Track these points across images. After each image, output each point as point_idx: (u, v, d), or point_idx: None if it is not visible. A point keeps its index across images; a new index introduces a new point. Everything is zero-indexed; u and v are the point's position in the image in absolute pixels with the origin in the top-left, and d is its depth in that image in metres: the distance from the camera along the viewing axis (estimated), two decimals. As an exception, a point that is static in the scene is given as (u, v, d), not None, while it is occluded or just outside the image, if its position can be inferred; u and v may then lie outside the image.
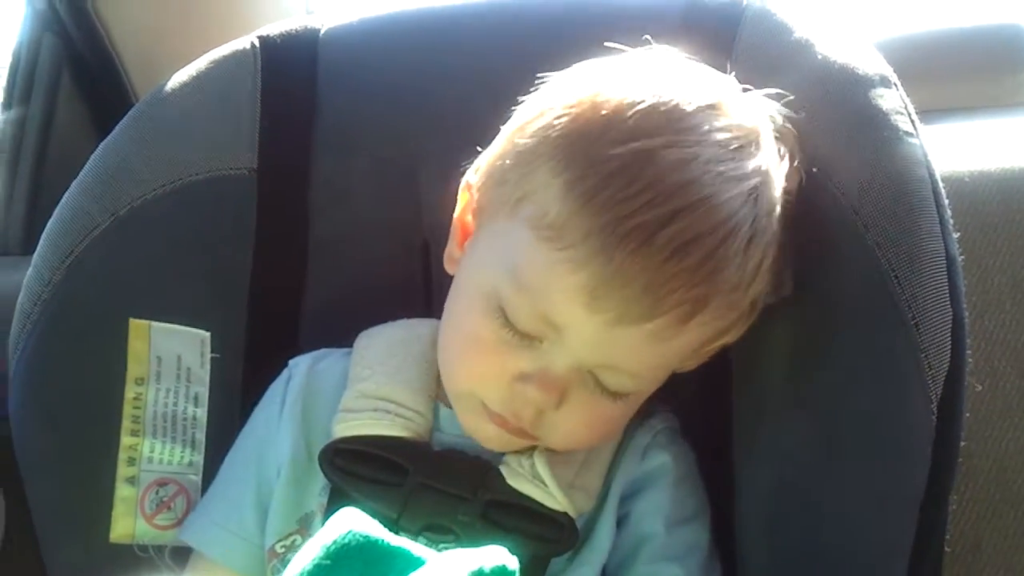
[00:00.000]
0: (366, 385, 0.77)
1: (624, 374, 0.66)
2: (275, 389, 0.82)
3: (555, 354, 0.65)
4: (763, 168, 0.65)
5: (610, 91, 0.64)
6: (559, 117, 0.65)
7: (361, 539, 0.52)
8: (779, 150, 0.68)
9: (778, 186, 0.67)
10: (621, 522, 0.73)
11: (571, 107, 0.65)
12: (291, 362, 0.84)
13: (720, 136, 0.64)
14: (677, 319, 0.62)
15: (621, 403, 0.68)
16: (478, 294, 0.68)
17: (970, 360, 0.64)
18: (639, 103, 0.63)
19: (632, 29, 0.88)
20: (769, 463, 0.73)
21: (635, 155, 0.61)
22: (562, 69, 0.70)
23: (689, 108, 0.64)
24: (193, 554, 0.80)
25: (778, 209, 0.66)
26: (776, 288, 0.68)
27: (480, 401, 0.70)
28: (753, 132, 0.67)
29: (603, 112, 0.63)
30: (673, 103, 0.64)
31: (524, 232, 0.65)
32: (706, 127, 0.64)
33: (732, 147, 0.64)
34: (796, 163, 0.69)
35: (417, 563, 0.51)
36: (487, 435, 0.72)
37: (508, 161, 0.68)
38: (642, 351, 0.64)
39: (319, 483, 0.77)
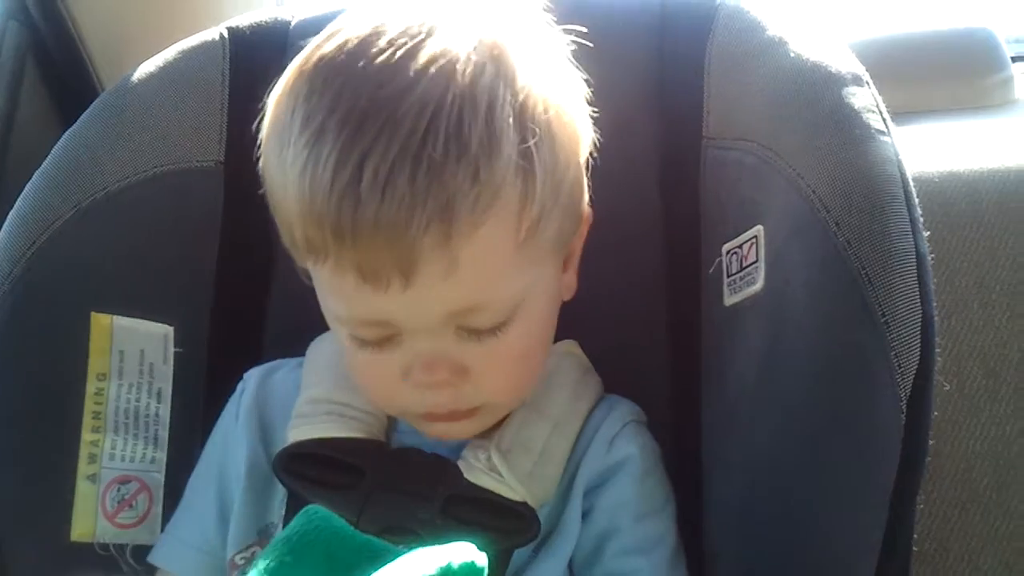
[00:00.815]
0: (317, 390, 0.77)
1: (480, 310, 0.64)
2: (231, 403, 0.82)
3: (410, 339, 0.65)
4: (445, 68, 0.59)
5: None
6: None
7: (325, 532, 0.51)
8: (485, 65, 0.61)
9: (473, 76, 0.60)
10: (586, 515, 0.73)
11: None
12: (245, 375, 0.83)
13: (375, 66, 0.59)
14: (441, 239, 0.58)
15: (515, 332, 0.66)
16: (335, 331, 0.70)
17: (938, 360, 0.64)
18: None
19: (610, 27, 0.89)
20: (740, 463, 0.73)
21: (305, 147, 0.59)
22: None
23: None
24: (158, 572, 0.79)
25: (482, 100, 0.59)
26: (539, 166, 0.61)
27: (405, 410, 0.70)
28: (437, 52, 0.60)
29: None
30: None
31: (310, 267, 0.66)
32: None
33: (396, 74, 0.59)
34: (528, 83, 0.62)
35: (382, 556, 0.51)
36: (437, 432, 0.72)
37: None
38: (460, 281, 0.61)
39: (279, 493, 0.76)
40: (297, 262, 0.66)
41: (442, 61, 0.59)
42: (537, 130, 0.60)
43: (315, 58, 0.62)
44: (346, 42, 0.61)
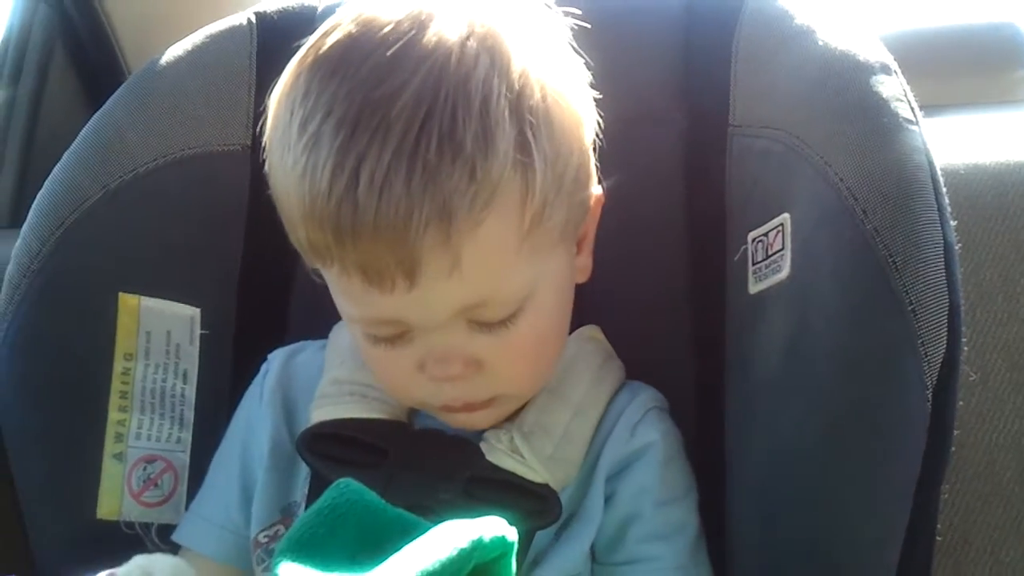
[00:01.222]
0: (340, 372, 0.78)
1: (488, 304, 0.64)
2: (254, 384, 0.83)
3: (422, 335, 0.65)
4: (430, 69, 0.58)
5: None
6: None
7: (357, 506, 0.51)
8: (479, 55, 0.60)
9: (466, 76, 0.59)
10: (608, 500, 0.73)
11: None
12: (269, 356, 0.84)
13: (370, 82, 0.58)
14: (441, 239, 0.58)
15: (527, 322, 0.66)
16: (349, 327, 0.71)
17: (964, 349, 0.63)
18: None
19: (636, 15, 0.88)
20: (763, 451, 0.73)
21: (303, 151, 0.59)
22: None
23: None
24: (182, 550, 0.79)
25: (475, 96, 0.58)
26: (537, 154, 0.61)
27: (422, 402, 0.71)
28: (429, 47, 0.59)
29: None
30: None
31: (319, 268, 0.66)
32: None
33: (388, 80, 0.58)
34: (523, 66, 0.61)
35: (413, 529, 0.51)
36: (457, 422, 0.72)
37: None
38: (465, 278, 0.60)
39: (302, 472, 0.77)
40: (307, 262, 0.66)
41: (435, 57, 0.58)
42: (534, 120, 0.60)
43: (310, 59, 0.62)
44: (339, 41, 0.61)
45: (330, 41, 0.62)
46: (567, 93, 0.65)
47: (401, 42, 0.59)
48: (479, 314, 0.64)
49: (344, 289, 0.64)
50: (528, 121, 0.60)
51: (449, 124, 0.57)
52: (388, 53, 0.58)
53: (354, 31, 0.61)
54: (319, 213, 0.58)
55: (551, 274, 0.68)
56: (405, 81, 0.57)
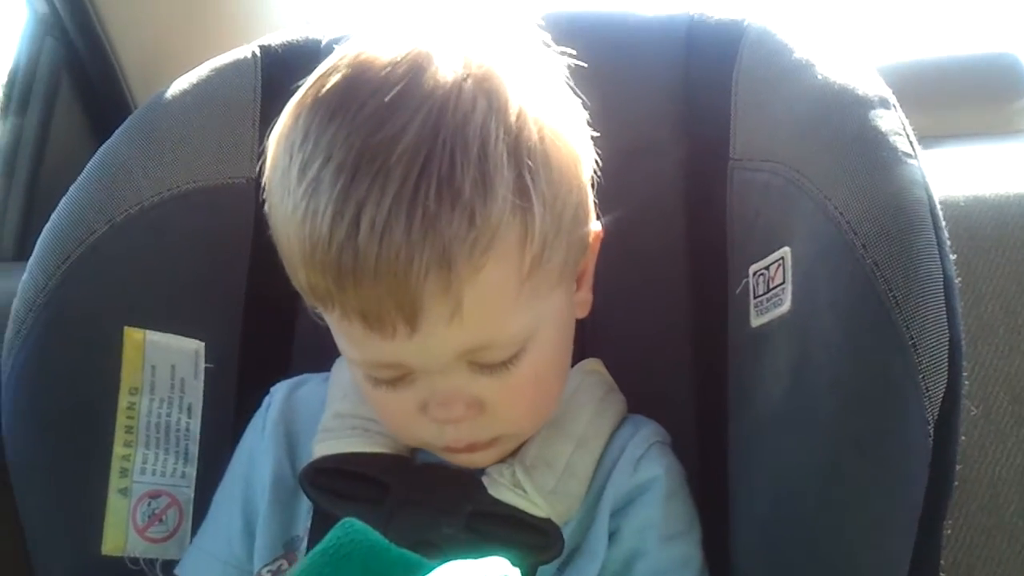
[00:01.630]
0: (342, 405, 0.78)
1: (490, 347, 0.64)
2: (257, 417, 0.83)
3: (423, 377, 0.65)
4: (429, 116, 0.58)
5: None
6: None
7: (361, 546, 0.51)
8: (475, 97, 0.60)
9: (465, 123, 0.59)
10: (613, 536, 0.73)
11: None
12: (272, 389, 0.84)
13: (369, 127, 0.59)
14: (442, 285, 0.58)
15: (529, 362, 0.66)
16: (350, 369, 0.71)
17: (965, 384, 0.64)
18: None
19: (636, 48, 0.89)
20: (766, 486, 0.73)
21: (303, 196, 0.59)
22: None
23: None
24: None
25: (473, 141, 0.58)
26: (534, 193, 0.60)
27: (425, 443, 0.71)
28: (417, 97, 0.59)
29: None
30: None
31: (320, 311, 0.66)
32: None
33: (387, 126, 0.58)
34: (521, 108, 0.61)
35: (417, 570, 0.51)
36: (459, 461, 0.72)
37: None
38: (466, 323, 0.60)
39: (304, 506, 0.77)
40: (308, 304, 0.66)
41: (432, 101, 0.59)
42: (532, 163, 0.60)
43: (309, 101, 0.62)
44: (337, 84, 0.61)
45: (329, 84, 0.62)
46: (564, 131, 0.65)
47: (399, 86, 0.59)
48: (480, 356, 0.64)
49: (345, 332, 0.64)
50: (526, 164, 0.60)
51: (448, 170, 0.57)
52: (386, 98, 0.59)
53: (352, 74, 0.61)
54: (320, 259, 0.59)
55: (551, 313, 0.68)
56: (404, 126, 0.58)
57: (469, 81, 0.60)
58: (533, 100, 0.62)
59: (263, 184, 0.67)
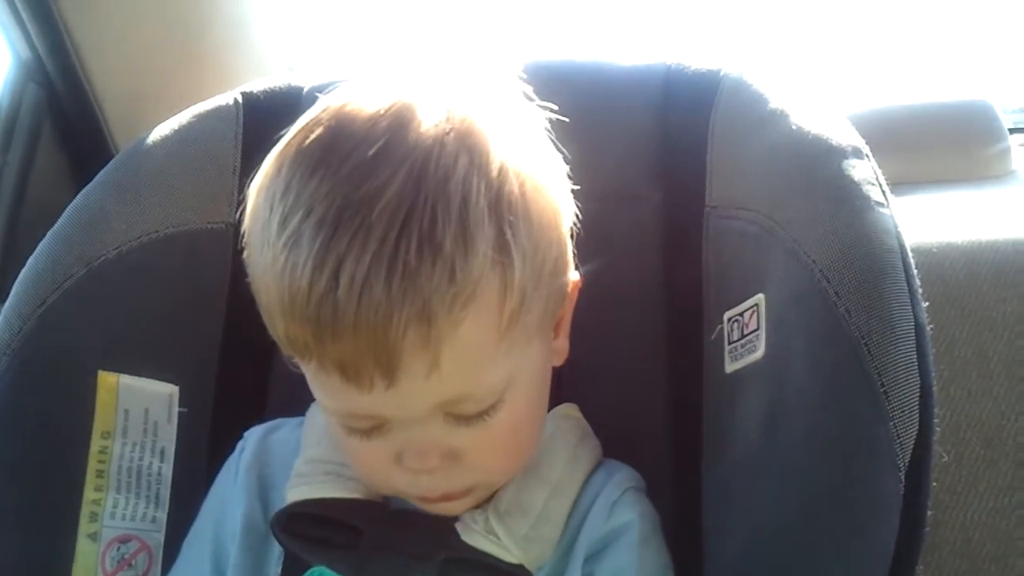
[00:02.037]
0: (316, 451, 0.77)
1: (467, 400, 0.64)
2: (230, 461, 0.82)
3: (399, 428, 0.65)
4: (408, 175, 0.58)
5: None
6: None
7: None
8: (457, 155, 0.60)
9: (446, 176, 0.59)
10: None
11: None
12: (245, 433, 0.83)
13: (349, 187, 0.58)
14: (421, 341, 0.58)
15: (505, 413, 0.66)
16: (325, 417, 0.70)
17: (937, 430, 0.64)
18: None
19: (613, 95, 0.90)
20: (739, 529, 0.73)
21: (283, 249, 0.59)
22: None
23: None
24: None
25: (455, 196, 0.58)
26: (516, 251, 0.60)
27: (399, 492, 0.71)
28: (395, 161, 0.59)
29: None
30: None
31: (299, 363, 0.66)
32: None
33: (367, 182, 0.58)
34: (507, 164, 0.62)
35: None
36: (435, 510, 0.72)
37: None
38: (444, 377, 0.60)
39: (275, 553, 0.76)
40: (284, 354, 0.66)
41: (414, 156, 0.59)
42: (513, 218, 0.60)
43: (292, 152, 0.62)
44: (320, 136, 0.61)
45: (312, 135, 0.62)
46: (545, 184, 0.66)
47: (381, 140, 0.59)
48: (457, 408, 0.64)
49: (321, 384, 0.64)
50: (507, 219, 0.60)
51: (429, 226, 0.57)
52: (369, 153, 0.59)
53: (335, 125, 0.62)
54: (298, 312, 0.59)
55: (529, 365, 0.68)
56: (385, 182, 0.58)
57: (451, 135, 0.60)
58: (514, 153, 0.63)
59: (242, 231, 0.67)
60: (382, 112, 0.61)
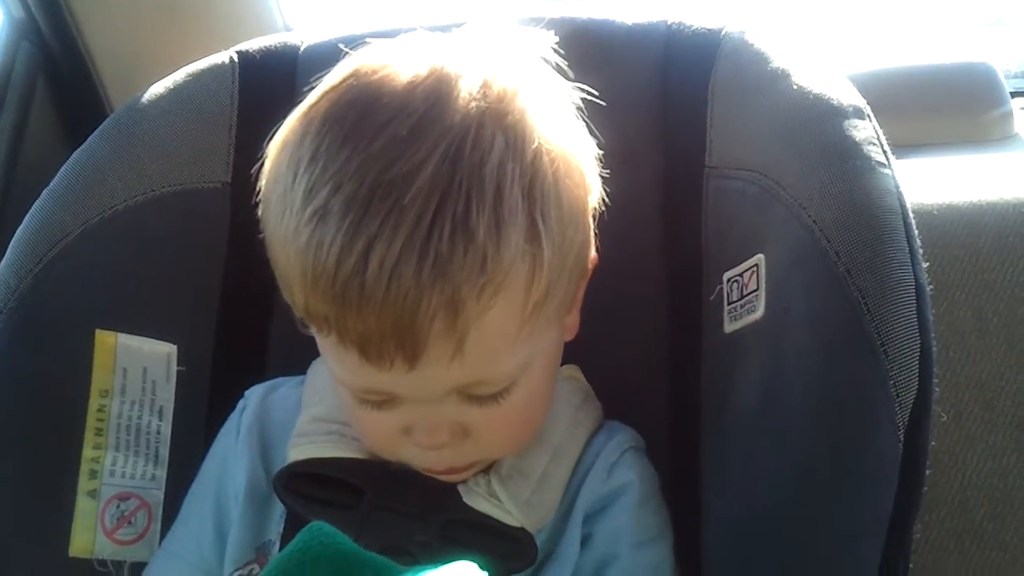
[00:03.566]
0: (318, 409, 0.77)
1: (485, 382, 0.64)
2: (231, 420, 0.82)
3: (411, 404, 0.65)
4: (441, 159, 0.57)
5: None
6: None
7: (329, 549, 0.51)
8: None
9: (476, 165, 0.58)
10: (585, 541, 0.73)
11: None
12: (246, 392, 0.83)
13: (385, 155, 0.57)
14: (447, 328, 0.57)
15: (519, 394, 0.66)
16: (335, 385, 0.70)
17: (936, 390, 0.64)
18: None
19: (613, 56, 0.90)
20: (738, 490, 0.73)
21: (308, 222, 0.58)
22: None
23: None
24: None
25: (490, 183, 0.57)
26: (545, 236, 0.60)
27: (404, 461, 0.71)
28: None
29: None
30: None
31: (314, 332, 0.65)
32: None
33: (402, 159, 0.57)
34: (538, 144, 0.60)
35: (386, 574, 0.51)
36: (438, 478, 0.72)
37: None
38: (465, 362, 0.60)
39: (277, 511, 0.76)
40: (296, 315, 0.65)
41: (450, 137, 0.57)
42: (545, 205, 0.60)
43: (319, 117, 0.61)
44: (352, 104, 0.60)
45: (342, 102, 0.60)
46: (575, 165, 0.64)
47: (416, 116, 0.58)
48: (473, 390, 0.64)
49: (338, 358, 0.63)
50: (539, 208, 0.59)
51: (463, 213, 0.56)
52: (403, 129, 0.57)
53: (368, 93, 0.60)
54: (322, 289, 0.57)
55: (545, 347, 0.68)
56: (420, 164, 0.56)
57: (488, 114, 0.59)
58: (548, 134, 0.61)
59: (258, 191, 0.66)
60: (418, 81, 0.59)
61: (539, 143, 0.60)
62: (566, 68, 0.69)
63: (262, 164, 0.65)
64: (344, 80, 0.62)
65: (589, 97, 0.69)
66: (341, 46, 0.67)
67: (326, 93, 0.62)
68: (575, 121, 0.68)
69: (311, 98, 0.63)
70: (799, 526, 0.67)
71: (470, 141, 0.57)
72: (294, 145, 0.61)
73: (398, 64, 0.61)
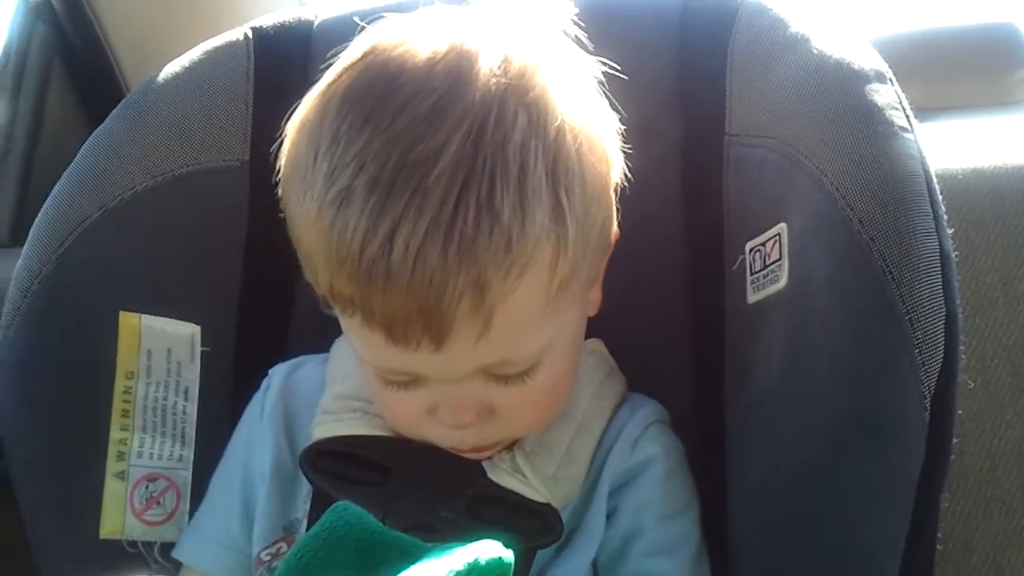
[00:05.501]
0: (342, 387, 0.77)
1: (511, 361, 0.64)
2: (255, 399, 0.83)
3: (437, 383, 0.65)
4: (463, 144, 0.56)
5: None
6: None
7: (354, 528, 0.52)
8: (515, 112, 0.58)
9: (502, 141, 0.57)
10: (611, 516, 0.73)
11: None
12: (270, 371, 0.84)
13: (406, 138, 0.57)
14: (473, 309, 0.57)
15: (544, 372, 0.66)
16: (360, 364, 0.70)
17: (962, 357, 0.63)
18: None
19: (630, 25, 0.89)
20: (763, 460, 0.73)
21: (332, 205, 0.57)
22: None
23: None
24: (183, 568, 0.80)
25: (513, 163, 0.57)
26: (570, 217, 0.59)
27: (430, 441, 0.71)
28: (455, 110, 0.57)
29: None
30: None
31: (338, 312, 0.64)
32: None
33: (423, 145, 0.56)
34: (561, 121, 0.60)
35: (412, 552, 0.51)
36: (464, 455, 0.72)
37: None
38: (491, 342, 0.60)
39: (304, 489, 0.77)
40: (319, 296, 0.65)
41: (473, 116, 0.57)
42: (569, 184, 0.59)
43: (338, 96, 0.60)
44: (371, 82, 0.59)
45: (362, 80, 0.60)
46: (597, 140, 0.64)
47: (436, 94, 0.57)
48: (499, 369, 0.64)
49: (364, 338, 0.62)
50: (563, 186, 0.59)
51: (487, 194, 0.55)
52: (424, 107, 0.57)
53: (387, 71, 0.59)
54: (347, 271, 0.57)
55: (569, 325, 0.68)
56: (443, 144, 0.56)
57: (509, 91, 0.58)
58: (571, 110, 0.61)
59: (277, 170, 0.65)
60: (437, 58, 0.59)
61: (561, 120, 0.59)
62: (585, 41, 0.68)
63: (281, 143, 0.65)
64: (362, 58, 0.61)
65: (608, 70, 0.69)
66: (356, 20, 0.66)
67: (344, 71, 0.61)
68: (596, 95, 0.67)
69: (329, 76, 0.63)
70: (824, 494, 0.67)
71: (492, 119, 0.57)
72: (314, 125, 0.61)
73: (416, 40, 0.60)
